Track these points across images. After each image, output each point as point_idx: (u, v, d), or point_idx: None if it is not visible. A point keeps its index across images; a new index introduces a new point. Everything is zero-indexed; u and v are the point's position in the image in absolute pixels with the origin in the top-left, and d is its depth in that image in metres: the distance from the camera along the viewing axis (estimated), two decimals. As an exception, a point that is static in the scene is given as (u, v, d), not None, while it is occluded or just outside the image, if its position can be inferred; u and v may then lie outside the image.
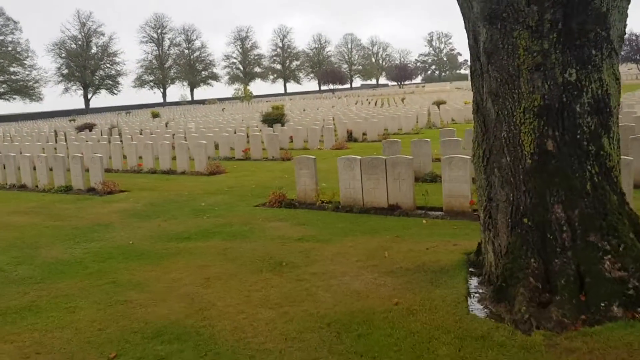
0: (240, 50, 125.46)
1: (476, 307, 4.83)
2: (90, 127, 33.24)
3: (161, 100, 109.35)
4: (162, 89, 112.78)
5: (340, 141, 21.27)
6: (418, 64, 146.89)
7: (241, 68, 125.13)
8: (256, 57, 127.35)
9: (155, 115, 52.27)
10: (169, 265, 6.78)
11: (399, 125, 26.50)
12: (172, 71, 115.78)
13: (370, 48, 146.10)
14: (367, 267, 6.12)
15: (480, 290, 5.18)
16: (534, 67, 4.69)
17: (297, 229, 8.24)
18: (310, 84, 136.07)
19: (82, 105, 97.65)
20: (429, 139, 12.77)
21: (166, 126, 33.99)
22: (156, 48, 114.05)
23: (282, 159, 17.86)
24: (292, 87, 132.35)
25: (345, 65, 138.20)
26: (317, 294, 5.40)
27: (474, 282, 5.41)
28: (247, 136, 21.38)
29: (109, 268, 6.85)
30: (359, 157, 9.70)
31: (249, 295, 5.51)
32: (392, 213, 9.08)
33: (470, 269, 5.73)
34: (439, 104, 40.16)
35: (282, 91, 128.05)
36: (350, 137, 23.23)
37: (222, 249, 7.36)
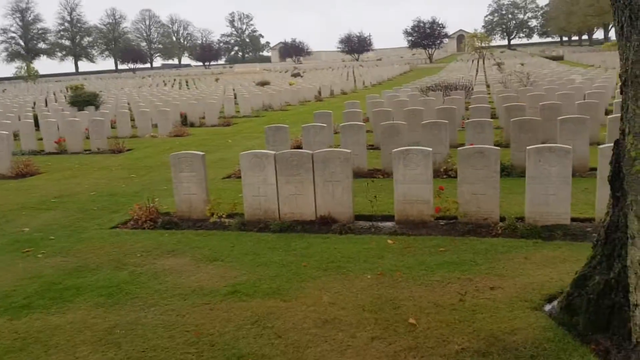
0: (20, 23, 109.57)
1: None
2: None
3: None
4: None
5: (177, 127, 17.85)
6: (221, 44, 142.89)
7: (22, 44, 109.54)
8: (40, 32, 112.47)
9: None
10: (12, 386, 3.47)
11: (236, 108, 23.69)
12: None
13: (170, 26, 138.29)
14: (402, 352, 3.54)
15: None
16: None
17: (212, 271, 5.29)
18: (106, 63, 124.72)
19: None
20: (323, 124, 10.38)
21: None
22: None
23: (113, 152, 14.07)
24: (85, 65, 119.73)
25: (144, 44, 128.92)
26: None
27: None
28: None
29: None
30: (272, 152, 6.94)
31: None
32: (327, 229, 6.54)
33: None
34: (263, 84, 38.06)
35: (74, 70, 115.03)
36: (185, 122, 19.89)
37: (104, 329, 4.16)
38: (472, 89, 19.19)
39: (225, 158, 12.44)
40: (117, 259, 5.77)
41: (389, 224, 6.68)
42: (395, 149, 6.59)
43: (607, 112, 14.05)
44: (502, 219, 6.29)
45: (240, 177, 9.98)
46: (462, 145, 11.34)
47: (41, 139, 15.21)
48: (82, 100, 21.40)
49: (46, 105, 27.69)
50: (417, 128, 12.19)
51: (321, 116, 12.86)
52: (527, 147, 6.17)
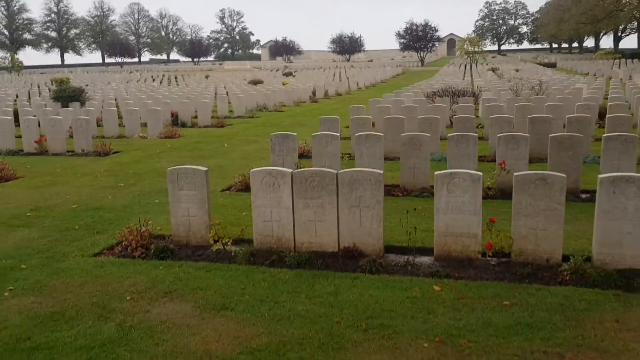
0: (4, 12, 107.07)
1: None
2: None
3: None
4: None
5: (168, 127, 16.67)
6: (211, 40, 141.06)
7: (6, 33, 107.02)
8: (26, 22, 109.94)
9: None
10: None
11: (229, 107, 22.52)
12: None
13: (160, 21, 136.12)
14: None
15: None
16: None
17: (221, 326, 4.19)
18: (93, 56, 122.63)
19: None
20: (336, 133, 9.31)
21: None
22: None
23: (99, 154, 12.89)
24: (71, 58, 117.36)
25: (133, 37, 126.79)
26: None
27: None
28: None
29: None
30: (288, 171, 5.85)
31: None
32: (354, 265, 5.48)
33: None
34: (255, 83, 36.95)
35: (60, 62, 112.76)
36: (177, 121, 18.72)
37: (84, 423, 3.09)
38: (480, 95, 18.23)
39: (223, 165, 11.34)
40: (101, 303, 4.66)
41: (426, 259, 5.64)
42: (439, 172, 5.53)
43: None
44: (564, 258, 5.29)
45: (242, 190, 8.94)
46: (483, 158, 10.39)
47: (20, 137, 13.98)
48: (67, 95, 20.12)
49: (29, 99, 26.31)
50: (437, 138, 11.24)
51: (327, 122, 11.84)
52: (600, 176, 5.17)
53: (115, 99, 24.72)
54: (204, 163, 11.54)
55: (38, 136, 13.76)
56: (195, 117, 19.42)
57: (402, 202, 7.82)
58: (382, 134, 8.80)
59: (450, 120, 15.36)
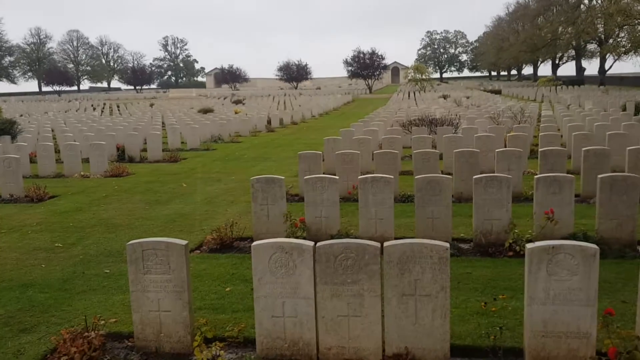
0: None
1: None
2: None
3: None
4: None
5: (114, 162, 14.48)
6: (153, 68, 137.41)
7: None
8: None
9: None
10: None
11: (181, 139, 20.40)
12: None
13: (100, 48, 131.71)
14: None
15: None
16: None
17: None
18: (29, 85, 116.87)
19: None
20: (334, 177, 7.53)
21: None
22: None
23: (32, 199, 10.64)
24: (5, 87, 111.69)
25: (71, 65, 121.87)
26: None
27: None
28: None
29: None
30: (308, 244, 4.03)
31: None
32: (414, 385, 3.71)
33: None
34: (206, 111, 34.89)
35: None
36: (123, 156, 16.55)
37: None
38: (459, 124, 16.96)
39: (185, 213, 9.37)
40: None
41: (513, 369, 3.92)
42: (533, 246, 3.83)
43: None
44: None
45: (218, 250, 7.03)
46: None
47: None
48: (-6, 128, 17.58)
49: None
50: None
51: (308, 158, 10.14)
52: None
53: (53, 131, 22.24)
54: (161, 209, 9.57)
55: (-45, 179, 11.37)
56: (145, 150, 17.27)
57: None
58: (392, 177, 7.09)
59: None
